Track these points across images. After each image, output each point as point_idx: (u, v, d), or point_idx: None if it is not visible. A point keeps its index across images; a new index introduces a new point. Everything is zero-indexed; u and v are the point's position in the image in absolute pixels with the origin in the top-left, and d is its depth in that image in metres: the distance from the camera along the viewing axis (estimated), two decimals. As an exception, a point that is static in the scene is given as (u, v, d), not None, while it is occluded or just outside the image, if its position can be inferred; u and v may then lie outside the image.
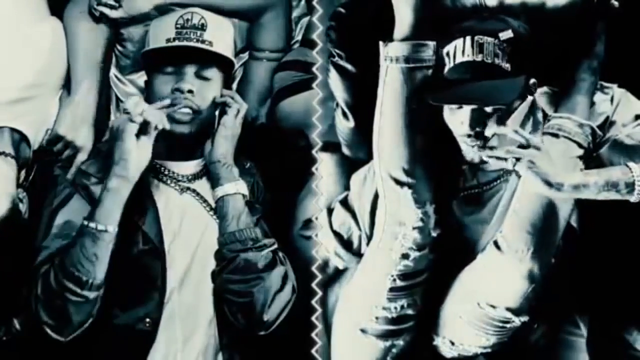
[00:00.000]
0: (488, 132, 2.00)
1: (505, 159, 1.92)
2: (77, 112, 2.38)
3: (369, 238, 2.20)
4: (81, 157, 2.34)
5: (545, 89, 2.13)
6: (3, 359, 2.21)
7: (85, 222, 2.07)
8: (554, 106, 2.11)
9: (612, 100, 2.09)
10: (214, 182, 2.22)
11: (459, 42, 1.99)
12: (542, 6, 2.12)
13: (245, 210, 2.19)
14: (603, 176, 1.93)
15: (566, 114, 2.05)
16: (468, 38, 1.98)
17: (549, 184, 1.91)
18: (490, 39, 1.97)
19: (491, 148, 1.97)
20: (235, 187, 2.20)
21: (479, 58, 1.97)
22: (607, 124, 2.07)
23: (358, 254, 2.23)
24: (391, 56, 2.05)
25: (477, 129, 2.01)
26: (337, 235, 2.25)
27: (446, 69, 2.01)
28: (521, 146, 1.93)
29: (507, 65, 1.97)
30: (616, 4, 2.12)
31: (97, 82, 2.41)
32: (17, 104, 2.31)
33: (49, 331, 2.09)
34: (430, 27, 2.06)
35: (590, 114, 2.07)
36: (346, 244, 2.25)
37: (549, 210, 2.02)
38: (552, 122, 2.06)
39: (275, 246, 2.20)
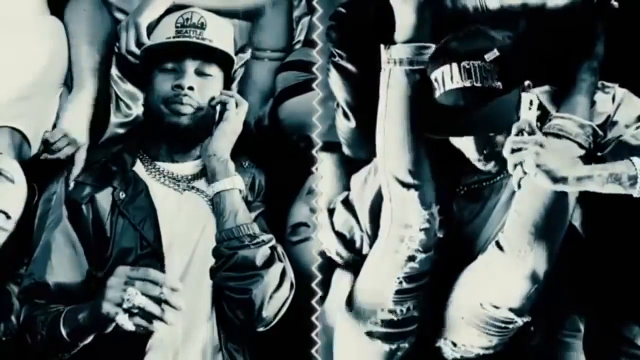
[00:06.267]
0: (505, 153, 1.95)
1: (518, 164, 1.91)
2: (77, 109, 2.37)
3: (370, 238, 2.20)
4: (80, 155, 2.31)
5: (546, 87, 2.13)
6: (3, 359, 2.20)
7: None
8: (555, 105, 2.11)
9: (613, 99, 2.08)
10: (210, 178, 2.20)
11: (445, 68, 1.98)
12: (542, 7, 2.12)
13: (243, 206, 2.18)
14: (607, 169, 1.92)
15: (567, 115, 2.04)
16: (454, 64, 1.97)
17: (555, 179, 1.89)
18: (476, 63, 1.95)
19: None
20: (232, 183, 2.18)
21: (468, 84, 1.96)
22: (609, 123, 2.06)
23: (359, 254, 2.23)
24: (394, 58, 2.05)
25: (485, 152, 2.02)
26: (339, 235, 2.25)
27: (437, 94, 1.99)
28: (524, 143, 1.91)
29: (497, 84, 1.96)
30: (616, 4, 2.11)
31: (96, 81, 2.40)
32: (16, 103, 2.30)
33: None
34: (431, 28, 2.06)
35: (590, 114, 2.06)
36: (348, 243, 2.25)
37: (551, 210, 2.02)
38: (553, 122, 2.05)
39: (274, 242, 2.18)
